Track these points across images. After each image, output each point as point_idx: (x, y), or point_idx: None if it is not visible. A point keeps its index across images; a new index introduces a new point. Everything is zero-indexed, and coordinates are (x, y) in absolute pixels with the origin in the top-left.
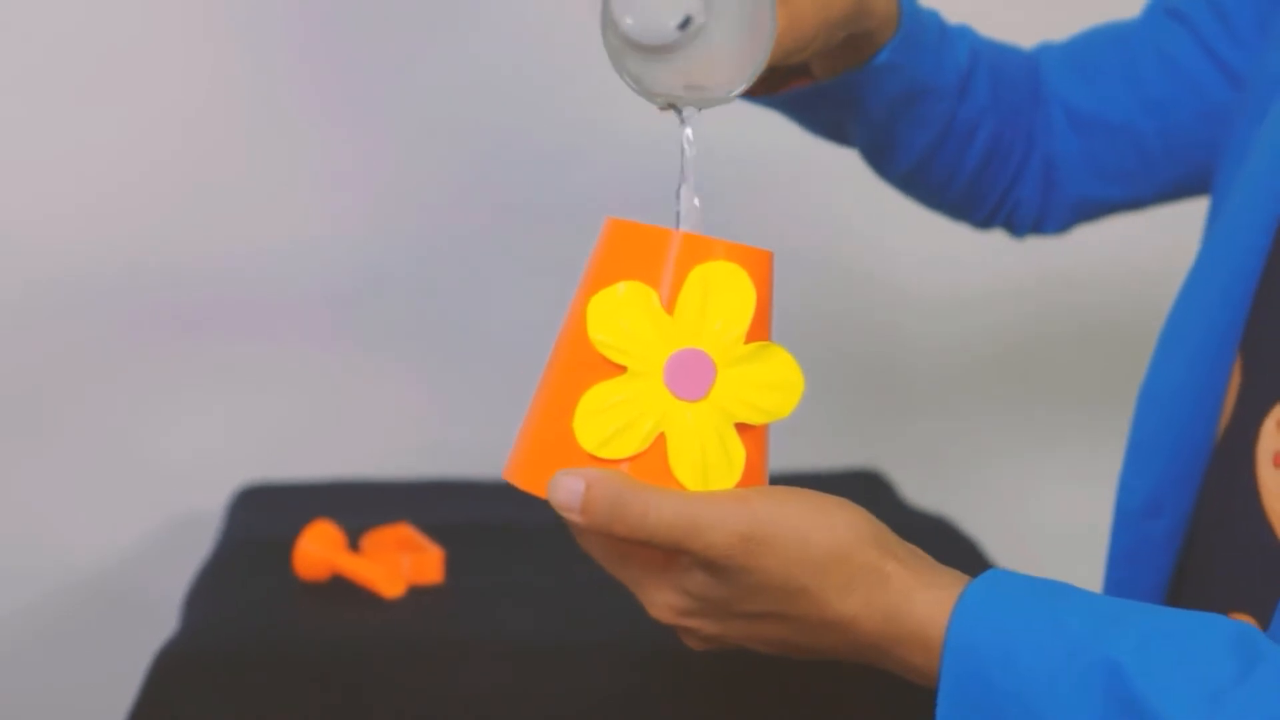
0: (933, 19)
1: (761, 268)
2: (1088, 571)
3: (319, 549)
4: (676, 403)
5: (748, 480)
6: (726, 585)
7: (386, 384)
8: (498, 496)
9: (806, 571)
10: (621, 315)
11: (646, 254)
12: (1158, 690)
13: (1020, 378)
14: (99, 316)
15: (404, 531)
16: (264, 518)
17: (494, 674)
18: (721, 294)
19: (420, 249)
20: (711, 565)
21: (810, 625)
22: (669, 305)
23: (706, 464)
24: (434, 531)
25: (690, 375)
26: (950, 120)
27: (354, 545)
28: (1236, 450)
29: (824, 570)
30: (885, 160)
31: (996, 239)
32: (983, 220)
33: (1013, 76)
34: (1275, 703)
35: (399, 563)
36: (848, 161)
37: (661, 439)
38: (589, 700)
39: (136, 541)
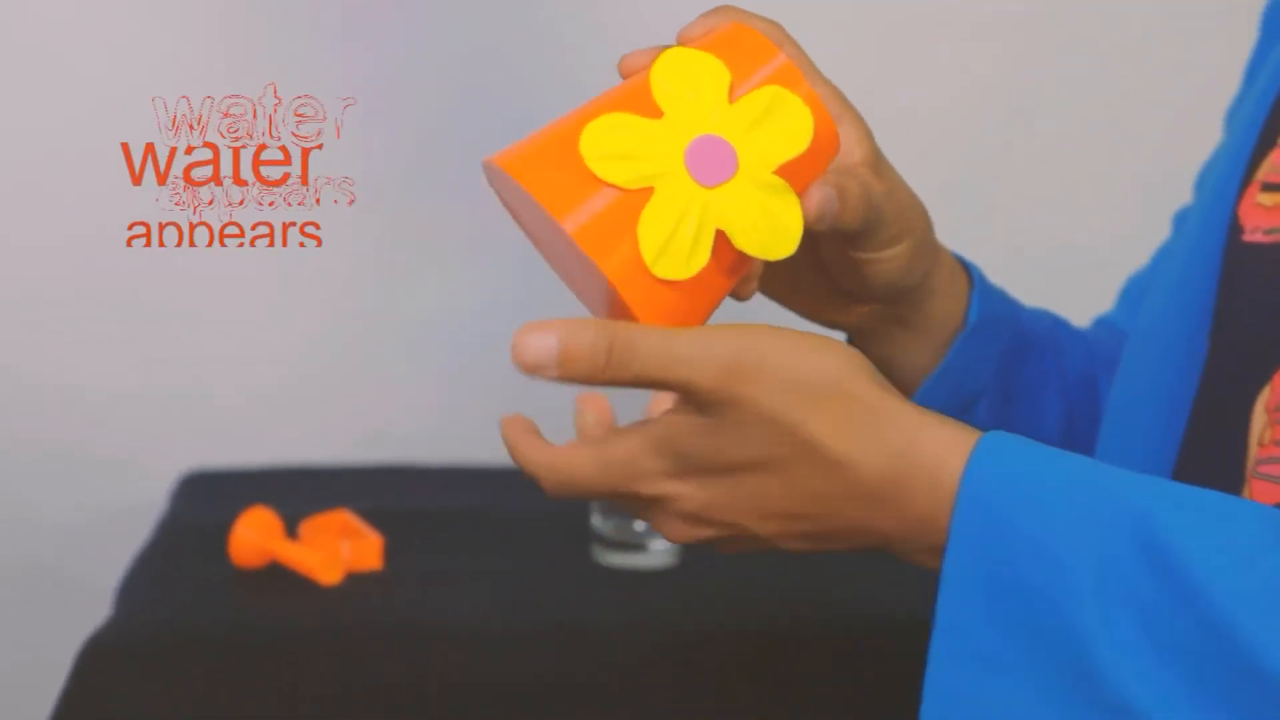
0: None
1: (827, 143)
2: None
3: (255, 536)
4: (682, 174)
5: (697, 296)
6: (712, 425)
7: (331, 370)
8: (439, 483)
9: (797, 403)
10: (690, 72)
11: (744, 51)
12: (1190, 545)
13: None
14: (38, 298)
15: (343, 518)
16: (204, 504)
17: (431, 662)
18: (781, 123)
19: (360, 236)
20: (696, 400)
21: (804, 472)
22: (732, 98)
23: (671, 239)
24: (375, 518)
25: (711, 162)
26: (1061, 372)
27: (292, 532)
28: (1210, 439)
29: (817, 402)
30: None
31: (965, 224)
32: None
33: (1086, 335)
34: None
35: (337, 549)
36: None
37: (648, 192)
38: (528, 688)
39: (77, 530)
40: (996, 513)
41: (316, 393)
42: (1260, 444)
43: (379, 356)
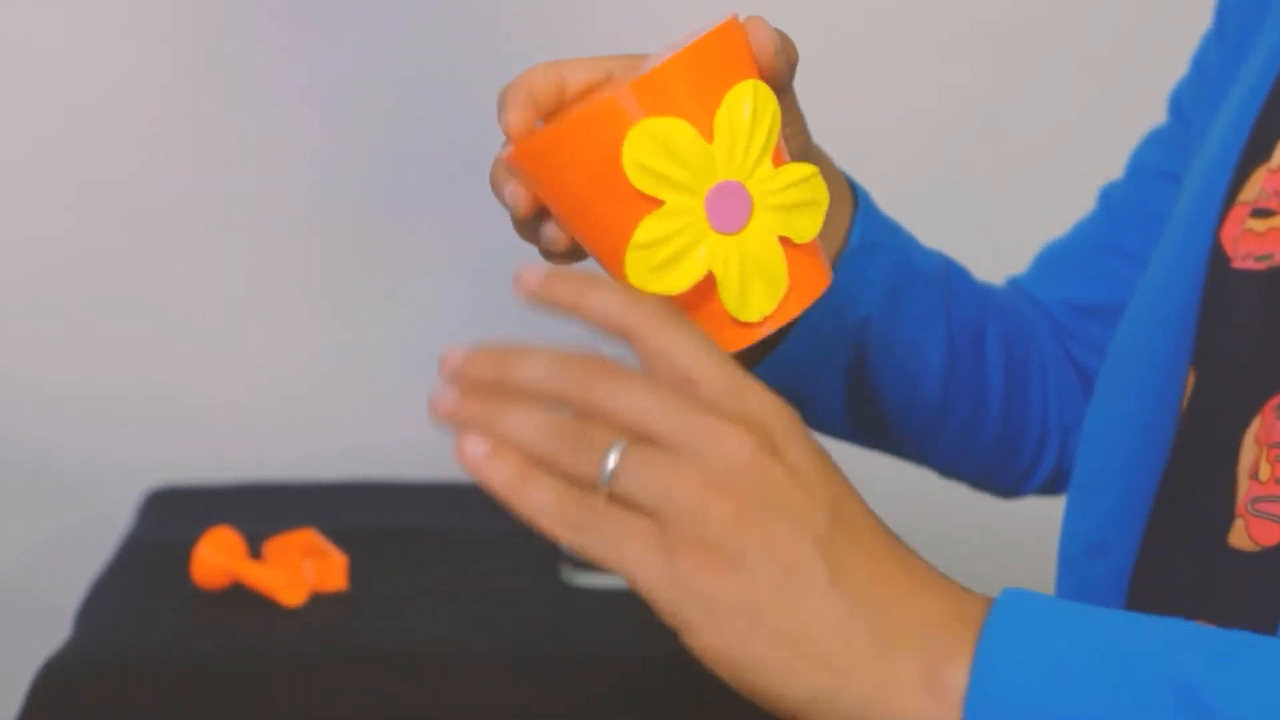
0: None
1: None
2: None
3: (217, 556)
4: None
5: (799, 286)
6: None
7: (301, 387)
8: (407, 501)
9: None
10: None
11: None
12: (1236, 702)
13: None
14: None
15: (308, 537)
16: (169, 522)
17: (398, 685)
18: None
19: (328, 252)
20: None
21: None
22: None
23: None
24: (341, 536)
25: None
26: (948, 312)
27: (257, 551)
28: (1198, 470)
29: None
30: (908, 395)
31: (938, 235)
32: (1028, 463)
33: (987, 289)
34: None
35: (301, 569)
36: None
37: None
38: (496, 712)
39: (39, 546)
40: (1022, 692)
41: (286, 409)
42: (1255, 479)
43: (349, 373)
